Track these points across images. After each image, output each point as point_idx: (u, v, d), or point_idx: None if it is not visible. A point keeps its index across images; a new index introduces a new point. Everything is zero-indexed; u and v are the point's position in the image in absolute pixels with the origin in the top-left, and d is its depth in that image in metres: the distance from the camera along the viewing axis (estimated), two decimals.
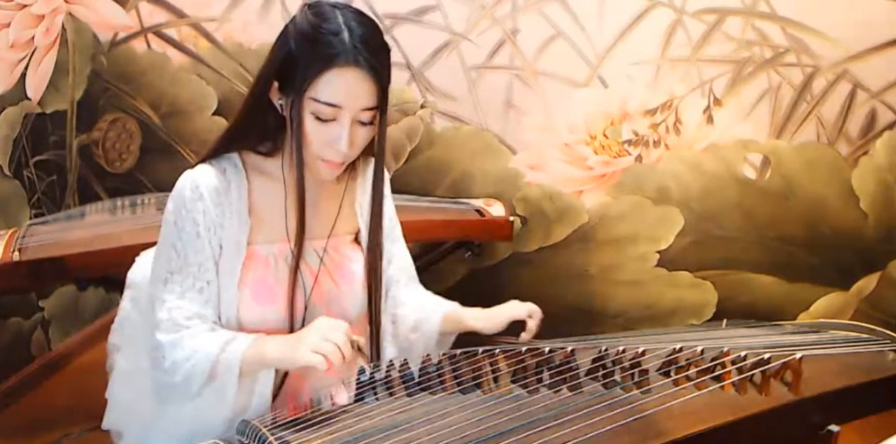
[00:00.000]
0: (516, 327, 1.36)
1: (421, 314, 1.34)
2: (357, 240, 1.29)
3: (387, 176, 1.35)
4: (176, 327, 1.13)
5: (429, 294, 1.40)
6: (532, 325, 1.30)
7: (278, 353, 1.09)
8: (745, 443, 1.09)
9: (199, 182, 1.16)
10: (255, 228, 1.19)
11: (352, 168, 1.27)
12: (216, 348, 1.11)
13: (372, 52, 1.09)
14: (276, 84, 1.14)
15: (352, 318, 1.25)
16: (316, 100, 1.09)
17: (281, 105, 1.14)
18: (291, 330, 1.18)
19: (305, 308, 1.20)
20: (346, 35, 1.08)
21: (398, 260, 1.37)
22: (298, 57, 1.09)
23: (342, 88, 1.08)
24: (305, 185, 1.17)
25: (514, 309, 1.30)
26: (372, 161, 1.25)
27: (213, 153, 1.20)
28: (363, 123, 1.12)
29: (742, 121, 2.17)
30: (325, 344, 1.05)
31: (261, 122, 1.18)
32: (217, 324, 1.17)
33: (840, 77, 2.07)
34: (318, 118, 1.10)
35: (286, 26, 1.13)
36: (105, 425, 1.32)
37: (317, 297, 1.22)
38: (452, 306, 1.35)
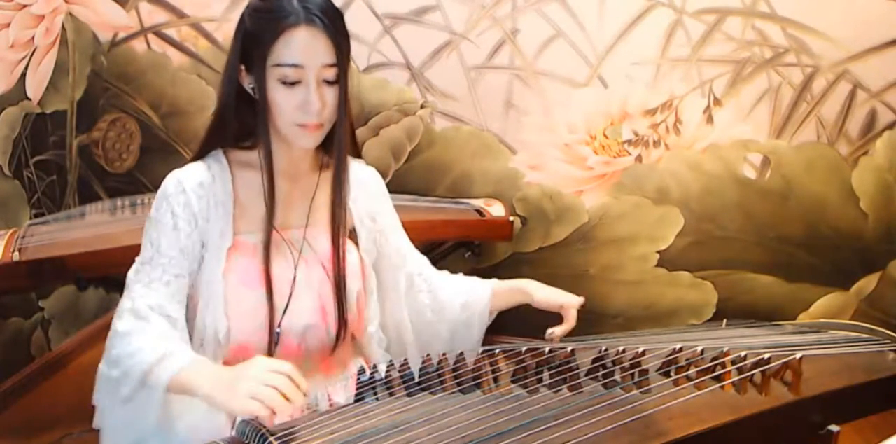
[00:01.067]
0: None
1: (467, 296, 1.39)
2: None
3: (373, 174, 1.36)
4: (136, 317, 1.13)
5: (463, 276, 1.45)
6: (567, 327, 1.33)
7: (210, 390, 1.02)
8: (745, 443, 1.09)
9: (182, 178, 1.20)
10: (239, 218, 1.21)
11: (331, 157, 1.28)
12: (154, 357, 1.08)
13: (321, 11, 1.12)
14: (243, 69, 1.17)
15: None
16: (278, 65, 1.12)
17: (252, 89, 1.16)
18: (272, 314, 1.19)
19: (290, 294, 1.21)
20: (294, 0, 1.12)
21: (412, 256, 1.42)
22: (254, 32, 1.13)
23: (300, 46, 1.11)
24: (281, 169, 1.20)
25: (569, 300, 1.35)
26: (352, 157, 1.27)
27: (199, 153, 1.24)
28: (329, 83, 1.14)
29: (742, 121, 2.17)
30: (263, 389, 0.98)
31: (238, 115, 1.20)
32: (175, 325, 1.16)
33: (840, 77, 2.07)
34: (284, 84, 1.13)
35: (241, 14, 1.17)
36: None
37: (309, 282, 1.23)
38: (496, 282, 1.41)
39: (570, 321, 1.34)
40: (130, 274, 1.19)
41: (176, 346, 1.11)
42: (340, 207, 1.26)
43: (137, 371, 1.09)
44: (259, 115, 1.17)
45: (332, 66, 1.13)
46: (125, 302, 1.16)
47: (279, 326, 1.21)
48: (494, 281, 1.43)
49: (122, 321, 1.14)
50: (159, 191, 1.21)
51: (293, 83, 1.12)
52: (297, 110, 1.14)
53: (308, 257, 1.24)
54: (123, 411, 1.13)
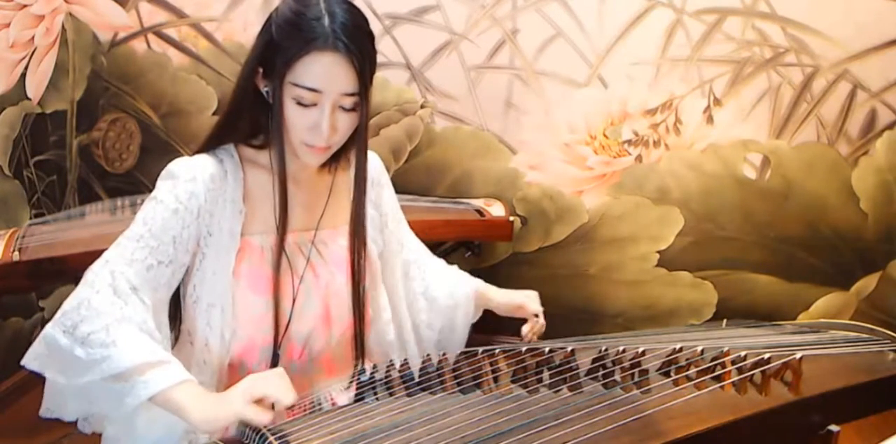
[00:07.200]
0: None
1: (452, 284, 1.41)
2: None
3: (376, 161, 1.34)
4: (115, 294, 1.08)
5: (454, 268, 1.47)
6: (535, 326, 1.36)
7: (201, 412, 1.02)
8: (745, 443, 1.09)
9: (195, 166, 1.16)
10: (249, 218, 1.18)
11: (345, 160, 1.26)
12: (132, 363, 1.03)
13: (352, 37, 1.08)
14: (260, 71, 1.14)
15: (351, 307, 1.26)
16: (295, 84, 1.09)
17: (267, 92, 1.14)
18: (277, 320, 1.18)
19: (294, 299, 1.20)
20: (326, 20, 1.08)
21: (410, 243, 1.41)
22: (279, 42, 1.09)
23: (321, 72, 1.08)
24: (289, 173, 1.18)
25: (528, 301, 1.38)
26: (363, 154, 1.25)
27: (207, 145, 1.21)
28: (345, 109, 1.11)
29: (742, 121, 2.17)
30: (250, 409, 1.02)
31: (251, 113, 1.18)
32: (148, 313, 1.10)
33: (840, 77, 2.07)
34: (299, 103, 1.10)
35: (270, 14, 1.14)
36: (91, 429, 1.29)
37: (315, 287, 1.22)
38: (479, 282, 1.44)
39: (532, 322, 1.37)
40: (111, 247, 1.14)
41: (160, 353, 1.06)
42: (362, 213, 1.24)
43: (110, 368, 1.02)
44: (273, 121, 1.14)
45: (351, 95, 1.10)
46: (103, 274, 1.09)
47: (279, 345, 1.20)
48: (478, 281, 1.46)
49: (100, 296, 1.06)
50: (165, 173, 1.17)
51: (308, 105, 1.10)
52: (307, 131, 1.11)
53: (316, 261, 1.23)
54: (71, 387, 1.10)
